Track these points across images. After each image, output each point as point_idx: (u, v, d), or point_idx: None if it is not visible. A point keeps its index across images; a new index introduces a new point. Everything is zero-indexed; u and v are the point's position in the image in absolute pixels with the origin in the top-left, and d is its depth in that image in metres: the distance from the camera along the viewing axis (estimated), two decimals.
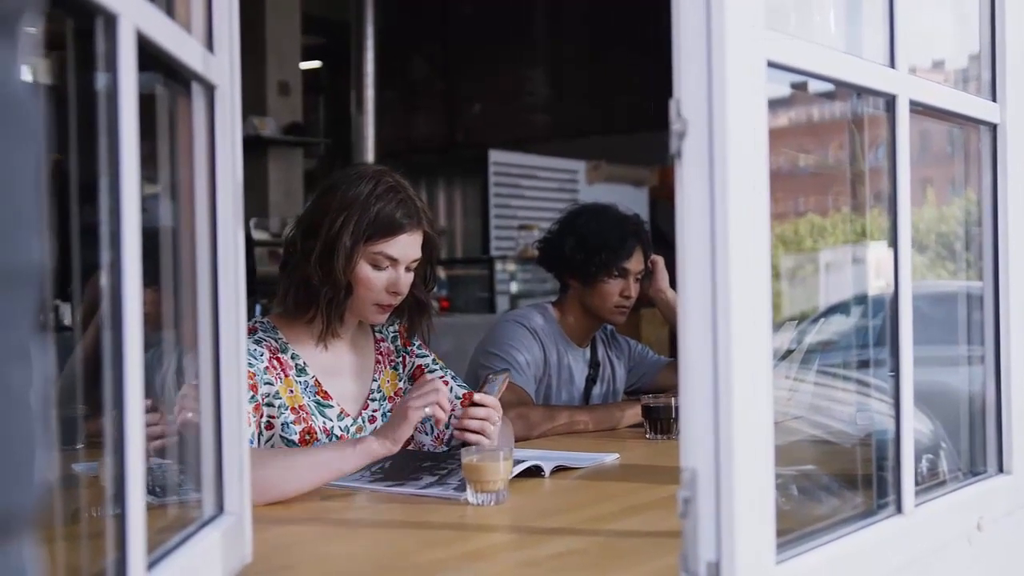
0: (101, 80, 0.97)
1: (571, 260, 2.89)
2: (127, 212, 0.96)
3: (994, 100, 1.72)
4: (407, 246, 2.10)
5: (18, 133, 0.52)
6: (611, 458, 2.25)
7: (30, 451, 0.52)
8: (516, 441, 2.51)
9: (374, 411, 2.21)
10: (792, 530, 1.25)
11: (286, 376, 2.09)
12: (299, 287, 2.11)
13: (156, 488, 1.29)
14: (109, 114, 0.96)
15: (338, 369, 2.18)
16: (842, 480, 1.63)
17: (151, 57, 1.06)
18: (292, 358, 2.12)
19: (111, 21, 0.95)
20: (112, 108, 0.96)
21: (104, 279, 0.97)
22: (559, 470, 2.08)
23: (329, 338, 2.15)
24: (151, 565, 1.04)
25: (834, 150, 1.93)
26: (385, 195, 2.08)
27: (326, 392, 2.13)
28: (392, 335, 2.31)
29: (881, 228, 1.69)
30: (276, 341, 2.12)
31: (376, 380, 2.24)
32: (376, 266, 2.09)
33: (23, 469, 0.52)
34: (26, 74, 0.53)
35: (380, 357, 2.27)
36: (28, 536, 0.54)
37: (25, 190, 0.51)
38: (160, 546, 1.13)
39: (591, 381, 3.00)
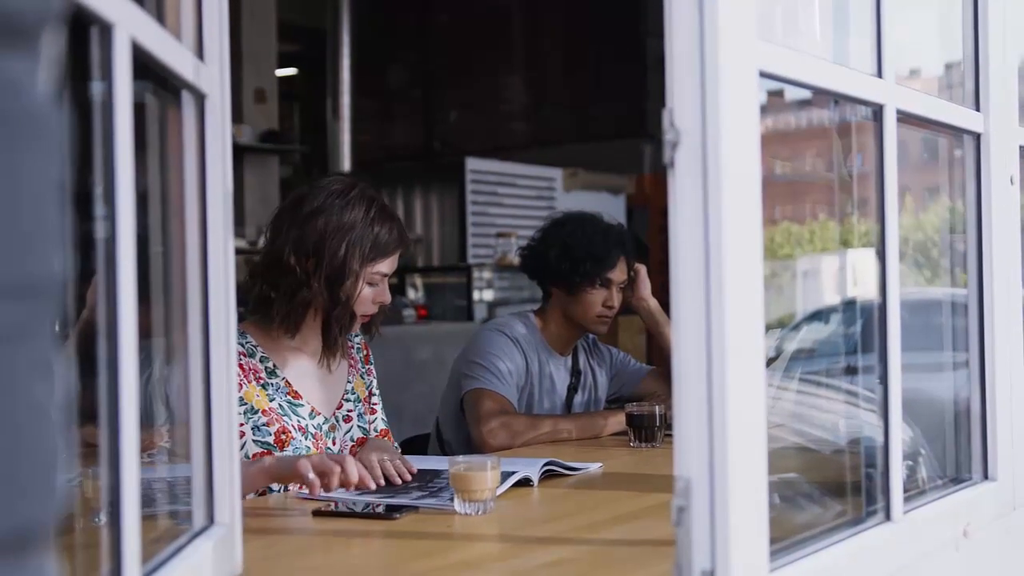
0: (95, 88, 0.96)
1: (555, 269, 2.88)
2: (122, 221, 0.96)
3: (977, 109, 1.73)
4: (395, 261, 2.23)
5: (41, 145, 0.51)
6: (595, 467, 2.25)
7: (53, 464, 0.52)
8: (499, 450, 2.52)
9: (348, 411, 2.29)
10: (784, 538, 1.25)
11: (256, 379, 2.13)
12: (299, 308, 2.15)
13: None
14: (104, 123, 0.95)
15: (311, 372, 2.24)
16: (828, 488, 1.63)
17: (142, 65, 1.05)
18: (261, 361, 2.17)
19: (106, 30, 0.94)
20: (107, 117, 0.95)
21: (94, 288, 0.96)
22: (548, 475, 2.08)
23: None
24: None
25: (811, 157, 1.94)
26: (379, 217, 2.18)
27: (296, 392, 2.19)
28: (357, 346, 2.39)
29: (860, 235, 1.69)
30: (243, 346, 2.15)
31: (350, 382, 2.32)
32: (371, 283, 2.19)
33: (47, 482, 0.52)
34: (45, 86, 0.53)
35: (352, 361, 2.35)
36: (49, 548, 0.53)
37: (48, 201, 0.51)
38: (151, 557, 1.12)
39: (573, 390, 3.00)
